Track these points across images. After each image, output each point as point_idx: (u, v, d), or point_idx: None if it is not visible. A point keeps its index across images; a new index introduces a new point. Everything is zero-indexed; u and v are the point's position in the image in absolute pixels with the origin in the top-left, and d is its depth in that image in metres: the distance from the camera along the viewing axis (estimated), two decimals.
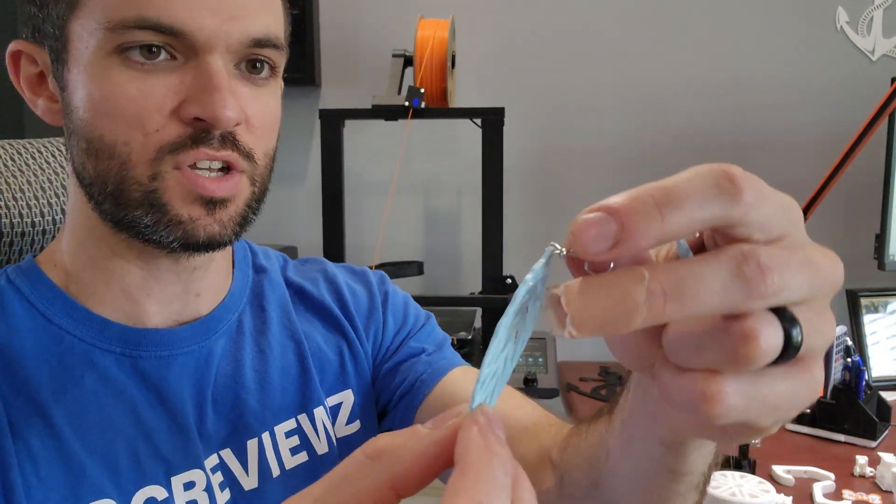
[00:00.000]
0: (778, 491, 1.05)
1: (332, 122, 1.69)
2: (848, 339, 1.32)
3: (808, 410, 1.32)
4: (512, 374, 0.31)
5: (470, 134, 1.74)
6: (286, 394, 0.67)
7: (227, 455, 0.62)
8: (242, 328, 0.67)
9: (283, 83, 0.63)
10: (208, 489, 0.60)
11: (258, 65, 0.58)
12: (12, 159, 0.77)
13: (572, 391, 1.63)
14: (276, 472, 0.64)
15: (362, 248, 1.90)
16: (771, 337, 0.26)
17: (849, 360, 1.28)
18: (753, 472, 1.11)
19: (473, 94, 1.91)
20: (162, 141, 0.54)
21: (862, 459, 1.16)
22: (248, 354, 0.66)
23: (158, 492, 0.57)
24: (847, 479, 1.15)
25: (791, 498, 1.06)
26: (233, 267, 0.70)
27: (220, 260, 0.66)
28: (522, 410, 0.66)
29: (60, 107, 0.58)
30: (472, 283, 1.92)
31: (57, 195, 0.77)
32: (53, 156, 0.80)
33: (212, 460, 0.61)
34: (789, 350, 0.27)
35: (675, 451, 0.40)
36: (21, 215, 0.74)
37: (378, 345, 0.75)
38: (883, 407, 1.33)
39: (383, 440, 0.29)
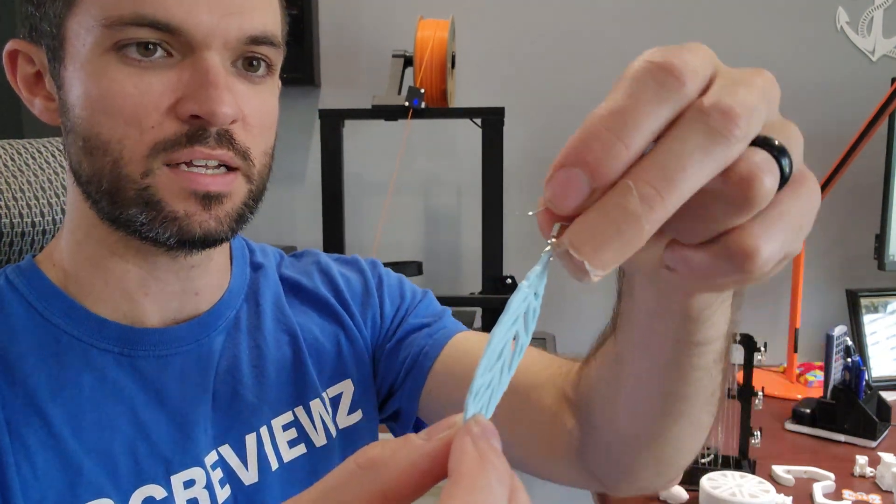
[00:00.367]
0: (778, 491, 1.04)
1: (332, 122, 1.69)
2: (848, 339, 1.32)
3: (809, 411, 1.32)
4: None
5: (470, 134, 1.74)
6: (282, 387, 0.67)
7: (226, 451, 0.63)
8: (239, 324, 0.67)
9: (280, 82, 0.63)
10: (208, 486, 0.60)
11: (255, 63, 0.58)
12: (12, 159, 0.77)
13: None
14: (274, 465, 0.64)
15: (362, 247, 1.90)
16: (767, 167, 0.27)
17: (849, 360, 1.28)
18: (753, 472, 1.11)
19: (473, 94, 1.90)
20: (157, 138, 0.54)
21: (862, 459, 1.16)
22: (245, 350, 0.66)
23: (157, 491, 0.58)
24: (847, 479, 1.14)
25: (791, 498, 1.05)
26: (231, 265, 0.70)
27: (218, 258, 0.66)
28: (540, 363, 0.65)
29: (57, 106, 0.58)
30: (472, 283, 1.92)
31: (57, 195, 0.77)
32: (53, 156, 0.80)
33: (211, 457, 0.61)
34: (785, 171, 0.28)
35: (696, 320, 0.40)
36: (21, 215, 0.74)
37: (378, 328, 0.75)
38: (883, 407, 1.32)
39: (375, 450, 0.28)
